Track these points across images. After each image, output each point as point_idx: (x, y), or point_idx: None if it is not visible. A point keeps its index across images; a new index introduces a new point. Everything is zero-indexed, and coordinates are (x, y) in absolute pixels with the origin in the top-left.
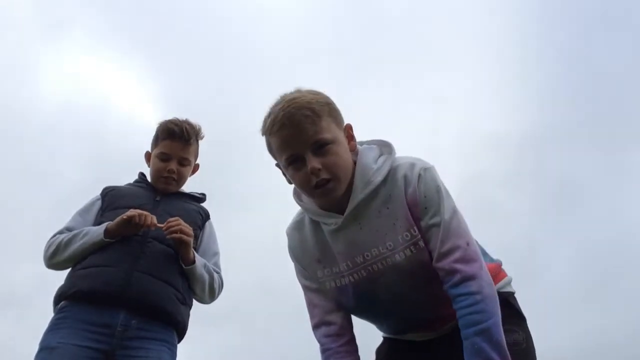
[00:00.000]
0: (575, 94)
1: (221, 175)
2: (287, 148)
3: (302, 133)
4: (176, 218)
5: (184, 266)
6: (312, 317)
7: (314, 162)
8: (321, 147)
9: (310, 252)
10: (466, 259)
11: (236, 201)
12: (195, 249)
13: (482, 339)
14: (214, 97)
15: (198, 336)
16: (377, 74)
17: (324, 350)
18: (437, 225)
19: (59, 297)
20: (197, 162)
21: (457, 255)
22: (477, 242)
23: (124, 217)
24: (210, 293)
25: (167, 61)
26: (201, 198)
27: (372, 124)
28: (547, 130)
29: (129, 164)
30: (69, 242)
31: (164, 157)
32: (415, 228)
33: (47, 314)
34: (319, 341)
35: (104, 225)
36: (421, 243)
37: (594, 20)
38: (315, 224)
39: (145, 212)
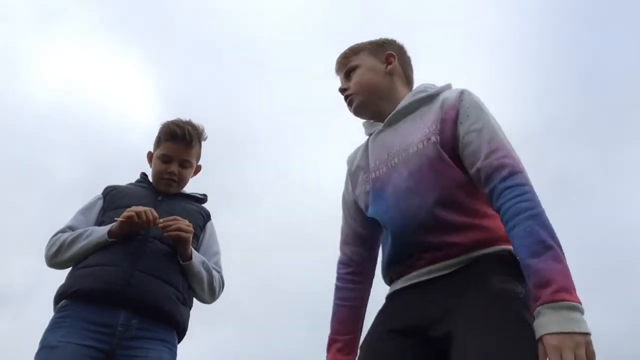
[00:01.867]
0: (573, 89)
1: (218, 172)
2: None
3: (340, 66)
4: (174, 217)
5: (181, 262)
6: None
7: (341, 84)
8: (349, 72)
9: (358, 162)
10: (513, 157)
11: (234, 199)
12: (196, 249)
13: (535, 222)
14: (212, 93)
15: (196, 334)
16: None
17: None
18: (480, 130)
19: (60, 296)
20: (199, 163)
21: (504, 153)
22: None
23: (122, 219)
24: (210, 292)
25: (163, 56)
26: (202, 199)
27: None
28: (545, 126)
29: (124, 160)
30: (72, 241)
31: (165, 159)
32: (437, 124)
33: (43, 311)
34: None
35: (108, 226)
36: (434, 138)
37: (593, 15)
38: (367, 141)
39: (144, 209)
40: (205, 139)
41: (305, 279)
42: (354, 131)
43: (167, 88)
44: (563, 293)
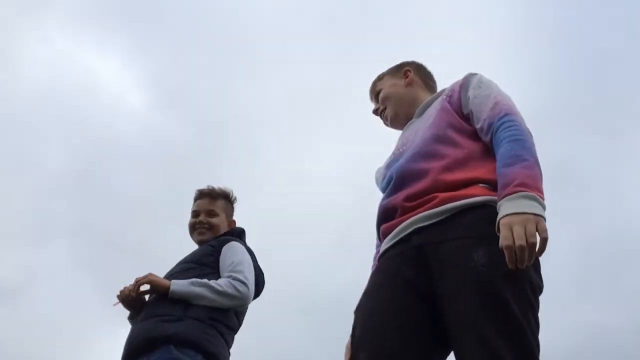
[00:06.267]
0: (575, 76)
1: (215, 167)
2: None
3: (371, 94)
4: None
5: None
6: None
7: (374, 104)
8: (378, 94)
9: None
10: (509, 105)
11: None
12: (215, 274)
13: (516, 144)
14: (205, 81)
15: None
16: (369, 58)
17: None
18: (488, 95)
19: None
20: (234, 219)
21: (502, 105)
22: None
23: None
24: (221, 296)
25: (154, 43)
26: (222, 241)
27: (365, 108)
28: (545, 115)
29: (115, 149)
30: None
31: (194, 214)
32: (446, 96)
33: (36, 307)
34: None
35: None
36: (445, 101)
37: (594, 6)
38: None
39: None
40: (234, 200)
41: (304, 277)
42: (351, 124)
43: (159, 76)
44: (521, 187)
